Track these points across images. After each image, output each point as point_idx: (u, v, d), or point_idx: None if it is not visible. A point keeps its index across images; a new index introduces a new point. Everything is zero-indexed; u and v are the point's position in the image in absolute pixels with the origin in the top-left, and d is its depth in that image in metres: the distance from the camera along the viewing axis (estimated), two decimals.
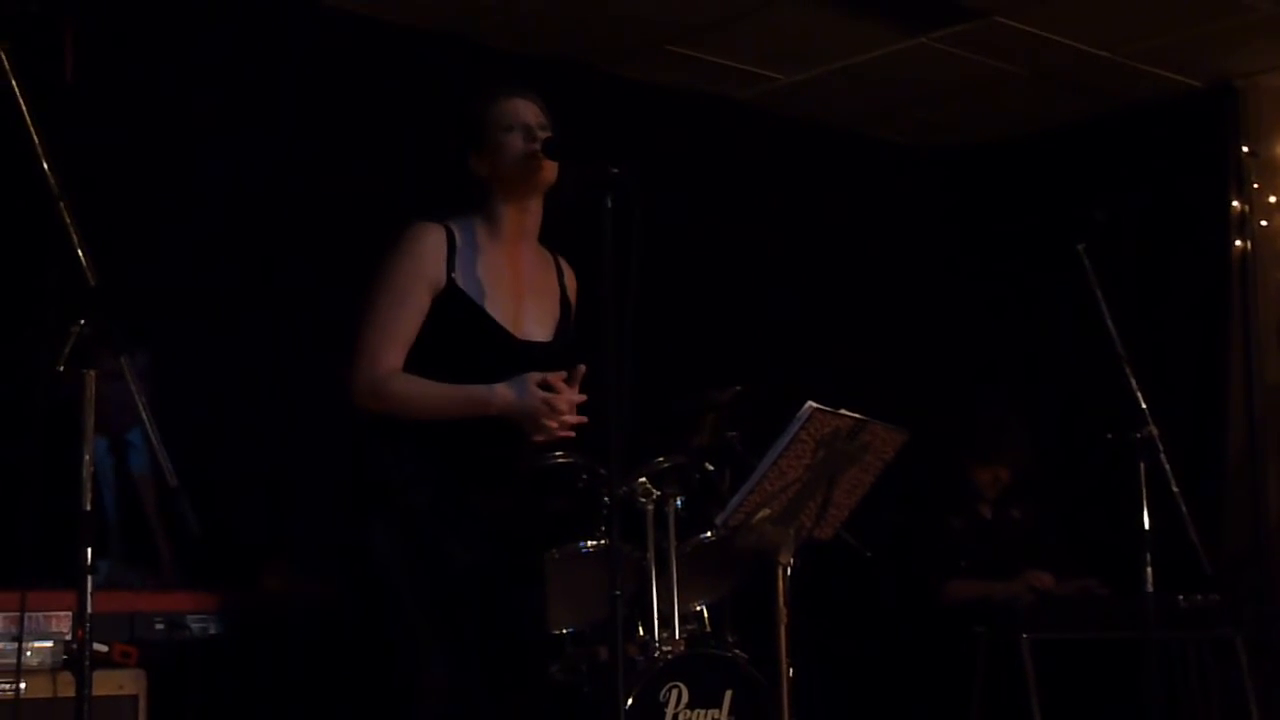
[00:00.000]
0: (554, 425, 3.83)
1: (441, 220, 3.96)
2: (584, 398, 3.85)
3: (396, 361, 3.86)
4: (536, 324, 4.04)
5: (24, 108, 3.20)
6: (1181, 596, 5.80)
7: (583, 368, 3.86)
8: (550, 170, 3.93)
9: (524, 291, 4.02)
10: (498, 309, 3.94)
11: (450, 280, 3.90)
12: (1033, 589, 6.09)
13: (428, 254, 3.89)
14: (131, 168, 5.48)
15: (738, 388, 5.17)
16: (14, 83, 3.21)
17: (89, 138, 5.01)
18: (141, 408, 3.37)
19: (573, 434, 3.90)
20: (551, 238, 4.14)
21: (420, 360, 3.88)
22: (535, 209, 4.04)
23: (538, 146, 3.90)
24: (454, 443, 3.87)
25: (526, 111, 3.98)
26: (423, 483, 3.86)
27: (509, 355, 3.91)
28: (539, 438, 3.86)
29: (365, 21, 6.27)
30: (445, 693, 3.79)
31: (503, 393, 3.82)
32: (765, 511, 4.29)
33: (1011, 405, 6.83)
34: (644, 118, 6.93)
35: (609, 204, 3.62)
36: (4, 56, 3.22)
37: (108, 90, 5.32)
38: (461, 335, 3.91)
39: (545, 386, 3.80)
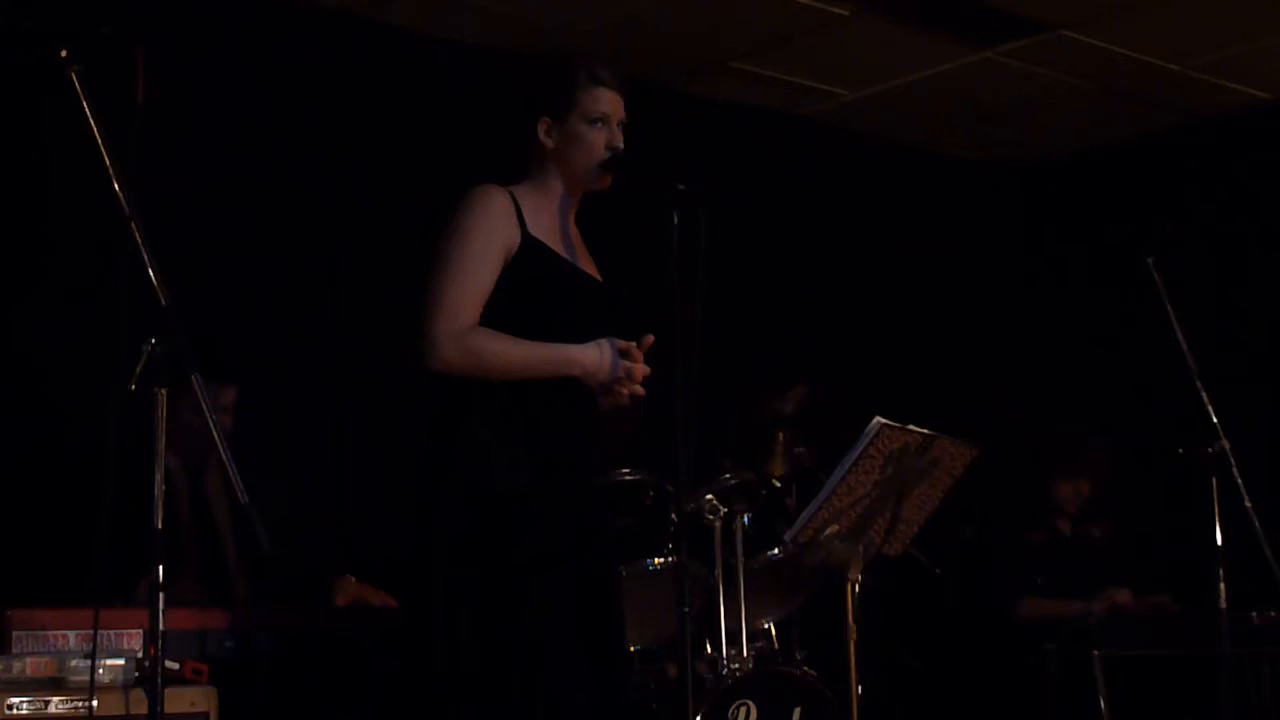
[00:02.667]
0: (625, 393, 3.83)
1: (499, 185, 3.91)
2: (649, 369, 3.84)
3: (477, 316, 3.78)
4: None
5: (96, 129, 3.23)
6: (1255, 612, 5.74)
7: (651, 338, 3.84)
8: (608, 181, 3.94)
9: (579, 253, 4.02)
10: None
11: (526, 234, 3.83)
12: (1113, 604, 6.05)
13: (500, 213, 3.83)
14: (203, 190, 5.53)
15: (800, 387, 5.16)
16: (86, 105, 3.24)
17: (160, 159, 5.05)
18: (213, 426, 3.38)
19: (631, 402, 3.87)
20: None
21: (498, 321, 3.79)
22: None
23: (613, 152, 3.88)
24: (536, 422, 3.79)
25: (616, 106, 3.93)
26: (518, 466, 3.75)
27: (591, 300, 3.91)
28: (606, 403, 3.86)
29: (433, 42, 6.31)
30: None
31: (589, 354, 3.79)
32: (834, 527, 4.29)
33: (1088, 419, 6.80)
34: (709, 134, 6.93)
35: (675, 220, 3.61)
36: (76, 79, 3.25)
37: (180, 112, 5.37)
38: (545, 286, 3.86)
39: (624, 354, 3.80)
